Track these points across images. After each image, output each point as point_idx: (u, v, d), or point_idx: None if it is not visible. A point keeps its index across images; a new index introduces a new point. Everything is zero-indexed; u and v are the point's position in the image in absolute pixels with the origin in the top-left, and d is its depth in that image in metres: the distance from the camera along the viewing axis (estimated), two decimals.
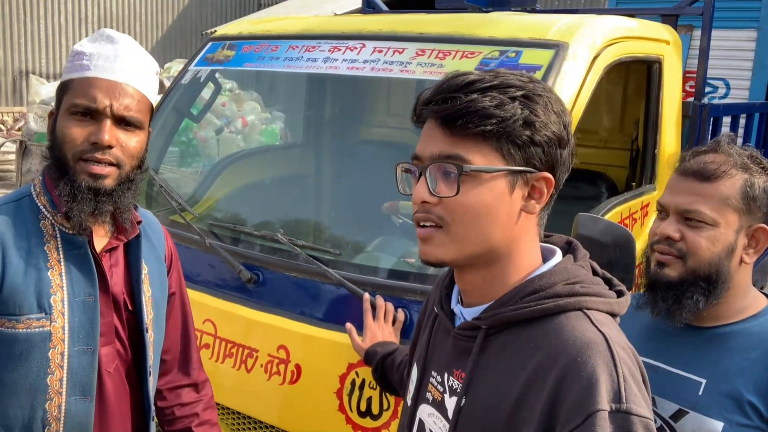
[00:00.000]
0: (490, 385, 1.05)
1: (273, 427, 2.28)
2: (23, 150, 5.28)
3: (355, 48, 2.72)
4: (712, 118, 3.50)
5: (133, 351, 1.58)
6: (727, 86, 8.76)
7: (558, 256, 1.13)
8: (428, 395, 1.18)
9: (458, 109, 1.02)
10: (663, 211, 1.54)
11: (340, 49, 2.75)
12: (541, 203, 1.09)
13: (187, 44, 15.65)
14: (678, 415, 1.48)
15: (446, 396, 1.13)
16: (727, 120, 4.02)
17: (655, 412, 1.50)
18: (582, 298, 1.04)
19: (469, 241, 1.05)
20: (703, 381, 1.48)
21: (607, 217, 2.53)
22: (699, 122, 3.37)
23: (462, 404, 1.08)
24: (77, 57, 1.49)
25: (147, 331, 1.58)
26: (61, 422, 1.45)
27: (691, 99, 3.46)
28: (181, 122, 3.45)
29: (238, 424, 2.38)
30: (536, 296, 1.05)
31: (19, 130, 7.71)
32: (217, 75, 3.37)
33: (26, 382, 1.42)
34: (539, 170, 1.06)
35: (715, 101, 7.19)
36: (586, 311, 1.04)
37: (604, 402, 0.93)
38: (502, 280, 1.08)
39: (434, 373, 1.18)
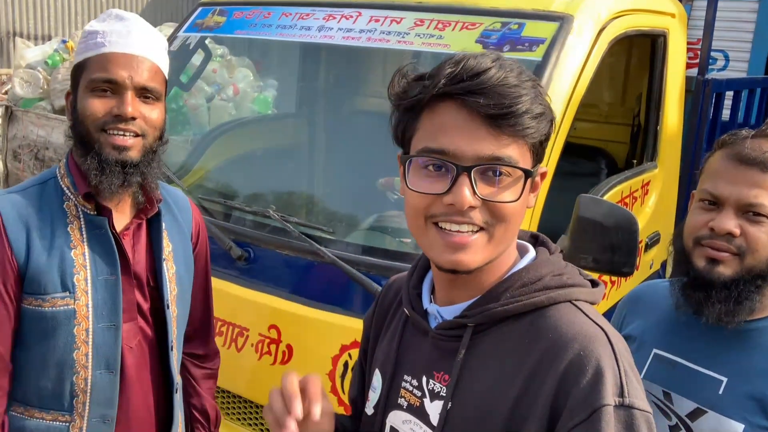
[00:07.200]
0: (482, 386, 1.01)
1: (263, 407, 2.23)
2: (9, 115, 5.13)
3: (351, 17, 2.62)
4: (715, 94, 3.42)
5: (156, 326, 1.62)
6: (726, 58, 8.65)
7: (532, 249, 1.10)
8: (401, 401, 1.12)
9: (513, 110, 0.94)
10: (714, 202, 1.39)
11: (335, 18, 2.65)
12: (536, 196, 1.06)
13: (177, 8, 15.33)
14: (695, 414, 1.41)
15: (426, 401, 1.08)
16: (729, 95, 3.94)
17: (670, 410, 1.45)
18: (571, 290, 1.03)
19: (503, 243, 1.01)
20: (725, 379, 1.40)
21: (607, 196, 2.47)
22: (702, 98, 3.30)
23: (449, 407, 1.03)
24: (90, 36, 1.50)
25: (169, 308, 1.61)
26: (88, 394, 1.51)
27: (692, 71, 3.38)
28: (170, 90, 3.34)
29: (228, 403, 2.34)
30: (526, 289, 1.02)
31: (5, 93, 7.54)
32: (207, 41, 3.26)
33: (54, 357, 1.49)
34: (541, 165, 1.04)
35: (714, 74, 7.08)
36: (575, 302, 1.02)
37: (609, 397, 0.91)
38: (490, 274, 1.04)
39: (408, 378, 1.12)
